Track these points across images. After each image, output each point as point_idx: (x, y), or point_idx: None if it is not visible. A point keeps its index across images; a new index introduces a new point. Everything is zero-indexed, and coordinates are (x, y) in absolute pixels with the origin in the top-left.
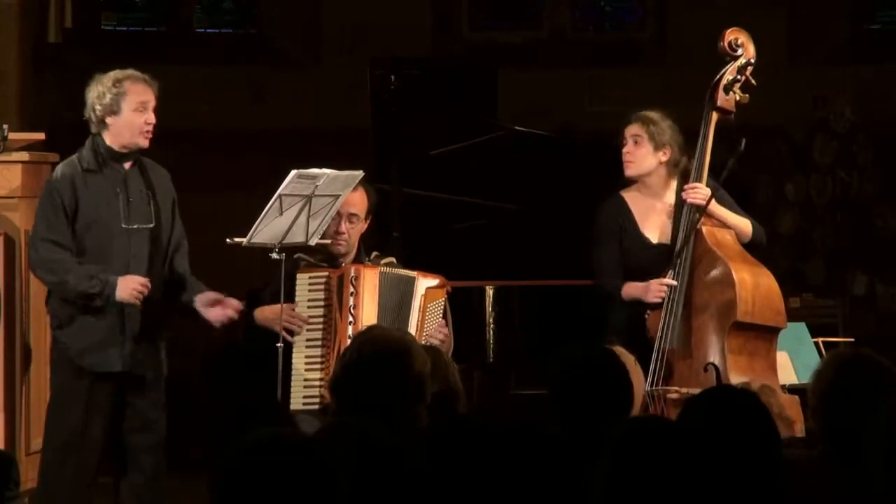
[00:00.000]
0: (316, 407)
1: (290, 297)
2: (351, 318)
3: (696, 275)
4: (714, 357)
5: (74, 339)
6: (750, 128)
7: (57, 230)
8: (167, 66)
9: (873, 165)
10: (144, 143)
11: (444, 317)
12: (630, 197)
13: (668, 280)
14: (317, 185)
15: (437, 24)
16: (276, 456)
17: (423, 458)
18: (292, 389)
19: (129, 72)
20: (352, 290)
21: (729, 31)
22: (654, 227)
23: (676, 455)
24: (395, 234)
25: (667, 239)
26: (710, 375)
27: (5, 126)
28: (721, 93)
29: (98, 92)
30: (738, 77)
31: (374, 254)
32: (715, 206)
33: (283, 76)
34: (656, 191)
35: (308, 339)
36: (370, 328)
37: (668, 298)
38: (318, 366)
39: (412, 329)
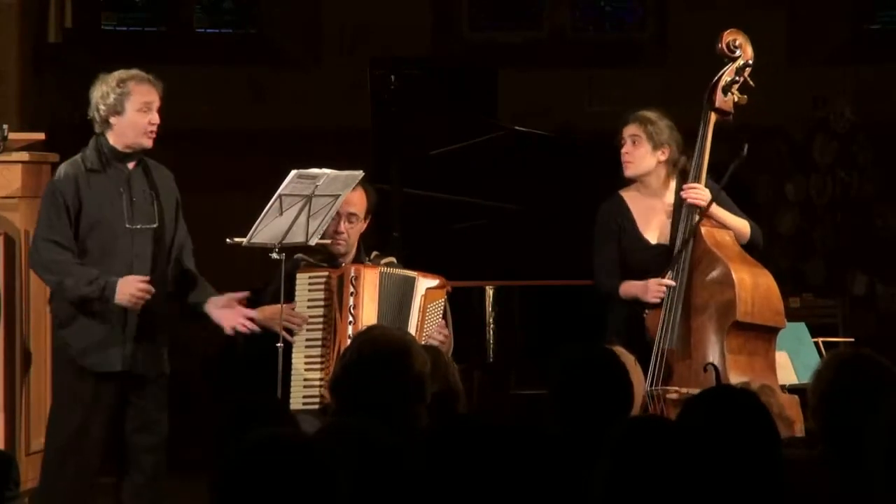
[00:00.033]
0: (316, 407)
1: (290, 297)
2: (351, 318)
3: (695, 275)
4: (713, 357)
5: (76, 339)
6: (750, 128)
7: (59, 230)
8: (167, 66)
9: (873, 165)
10: (148, 143)
11: (444, 317)
12: (629, 197)
13: (667, 280)
14: (317, 185)
15: (437, 24)
16: (276, 456)
17: (423, 458)
18: (292, 389)
19: (134, 72)
20: (352, 289)
21: (727, 32)
22: (654, 227)
23: (676, 455)
24: (395, 234)
25: (666, 239)
26: (710, 375)
27: (5, 126)
28: (719, 94)
29: (102, 92)
30: (737, 78)
31: (375, 253)
32: (714, 208)
33: (283, 76)
34: (655, 190)
35: (308, 339)
36: (370, 328)
37: (668, 298)
38: (318, 366)
39: (412, 329)
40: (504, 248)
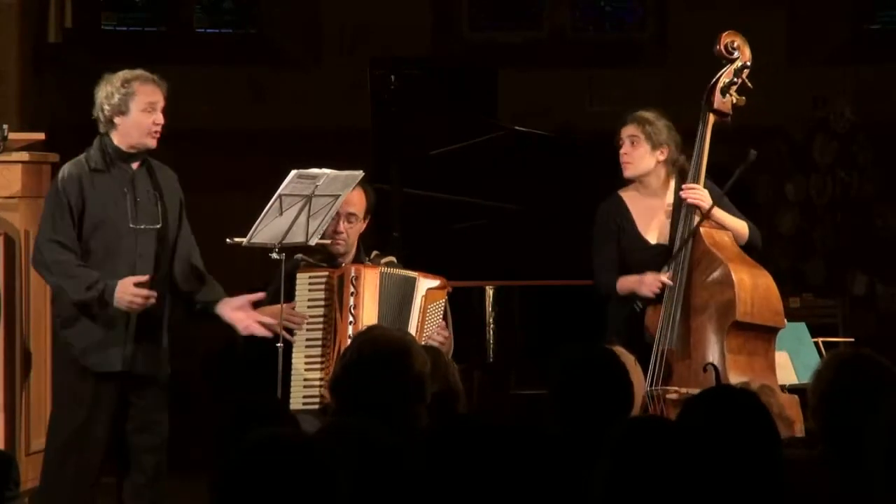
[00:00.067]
0: (316, 407)
1: (290, 297)
2: (351, 318)
3: (694, 275)
4: (713, 357)
5: (78, 339)
6: (750, 128)
7: (62, 231)
8: (167, 66)
9: (873, 165)
10: (152, 143)
11: (445, 318)
12: (628, 197)
13: (665, 277)
14: (317, 185)
15: (437, 24)
16: (276, 456)
17: (423, 458)
18: (292, 389)
19: (139, 72)
20: (352, 289)
21: (725, 34)
22: (653, 227)
23: (676, 455)
24: (395, 234)
25: (665, 239)
26: (710, 375)
27: (5, 126)
28: (718, 95)
29: (107, 92)
30: (735, 80)
31: (374, 253)
32: (714, 210)
33: (283, 76)
34: (655, 191)
35: (308, 339)
36: (370, 328)
37: (667, 298)
38: (318, 365)
39: (412, 330)
40: (504, 248)
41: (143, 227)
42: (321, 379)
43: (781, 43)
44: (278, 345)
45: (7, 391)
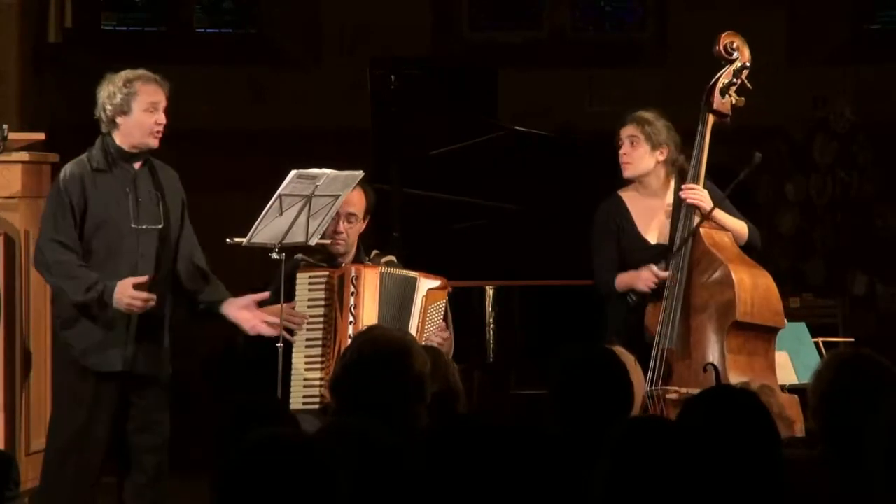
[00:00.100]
0: (316, 406)
1: (290, 297)
2: (351, 318)
3: (694, 275)
4: (713, 357)
5: (78, 340)
6: (750, 128)
7: (63, 231)
8: (167, 66)
9: (873, 165)
10: (154, 143)
11: (445, 318)
12: (628, 197)
13: (662, 273)
14: (317, 185)
15: (437, 24)
16: (277, 456)
17: (423, 458)
18: (292, 389)
19: (141, 72)
20: (352, 289)
21: (724, 35)
22: (654, 227)
23: (676, 455)
24: (395, 234)
25: (665, 239)
26: (710, 375)
27: (5, 126)
28: (717, 96)
29: (109, 91)
30: (734, 80)
31: (375, 252)
32: (714, 211)
33: (283, 76)
34: (655, 191)
35: (308, 339)
36: (371, 328)
37: (667, 298)
38: (318, 365)
39: (412, 330)
40: (504, 248)
41: (144, 227)
42: (321, 379)
43: (781, 43)
44: (278, 345)
45: (7, 391)
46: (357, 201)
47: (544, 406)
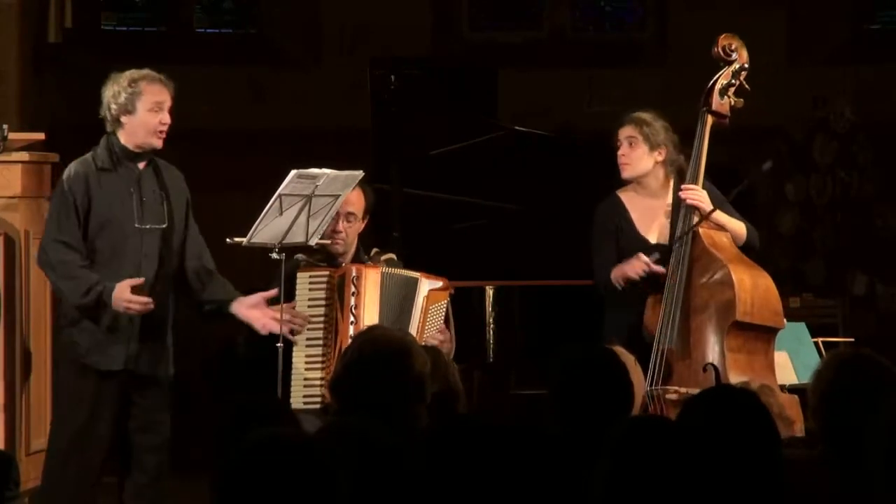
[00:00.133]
0: (316, 406)
1: (291, 297)
2: (352, 318)
3: (694, 275)
4: (713, 357)
5: (84, 337)
6: (750, 128)
7: (67, 231)
8: (167, 66)
9: (873, 165)
10: (158, 143)
11: (447, 319)
12: (627, 197)
13: (655, 266)
14: (317, 185)
15: (437, 24)
16: (277, 456)
17: (423, 458)
18: (293, 389)
19: (146, 72)
20: (353, 289)
21: (722, 36)
22: (654, 227)
23: (676, 455)
24: (395, 234)
25: (665, 239)
26: (710, 375)
27: (5, 126)
28: (716, 97)
29: (114, 91)
30: (733, 82)
31: (375, 250)
32: (714, 212)
33: (283, 76)
34: (654, 191)
35: (308, 339)
36: (371, 328)
37: (667, 298)
38: (318, 365)
39: (413, 330)
40: (504, 248)
41: (148, 226)
42: (322, 378)
43: (781, 43)
44: (278, 345)
45: (7, 391)
46: (356, 201)
47: (544, 406)
